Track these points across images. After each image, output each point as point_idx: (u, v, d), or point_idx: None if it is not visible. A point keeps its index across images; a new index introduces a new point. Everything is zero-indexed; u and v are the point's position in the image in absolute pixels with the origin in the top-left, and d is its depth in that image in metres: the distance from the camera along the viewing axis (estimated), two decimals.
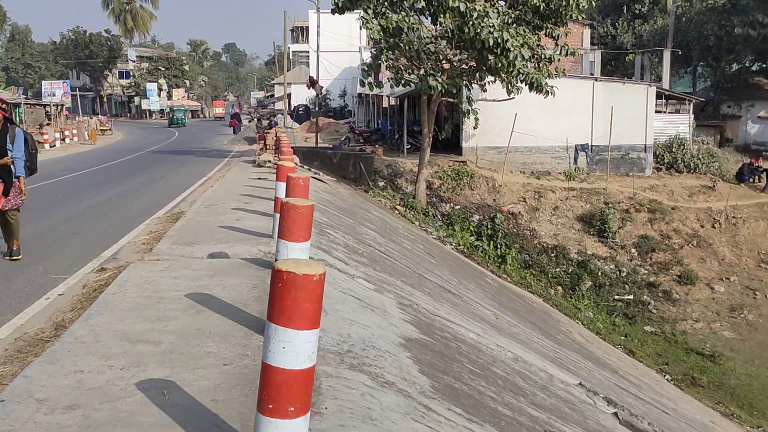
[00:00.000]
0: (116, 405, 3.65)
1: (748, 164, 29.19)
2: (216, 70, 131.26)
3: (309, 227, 4.67)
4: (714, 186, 26.92)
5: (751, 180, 28.53)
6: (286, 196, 6.25)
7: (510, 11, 18.50)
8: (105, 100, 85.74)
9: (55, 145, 35.35)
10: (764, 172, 28.47)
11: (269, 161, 21.32)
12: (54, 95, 54.18)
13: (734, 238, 24.36)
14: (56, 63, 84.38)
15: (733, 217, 25.04)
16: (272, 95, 79.85)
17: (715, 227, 24.59)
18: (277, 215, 8.05)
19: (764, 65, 40.94)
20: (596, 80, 29.17)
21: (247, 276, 6.59)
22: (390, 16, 17.52)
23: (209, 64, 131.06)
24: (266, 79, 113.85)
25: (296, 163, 18.50)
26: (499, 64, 17.70)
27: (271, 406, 2.79)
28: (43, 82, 62.31)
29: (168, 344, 4.61)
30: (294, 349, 2.77)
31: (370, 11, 18.30)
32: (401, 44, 18.73)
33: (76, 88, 72.89)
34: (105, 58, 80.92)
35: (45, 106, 49.23)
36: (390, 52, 19.26)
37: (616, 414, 7.20)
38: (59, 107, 49.78)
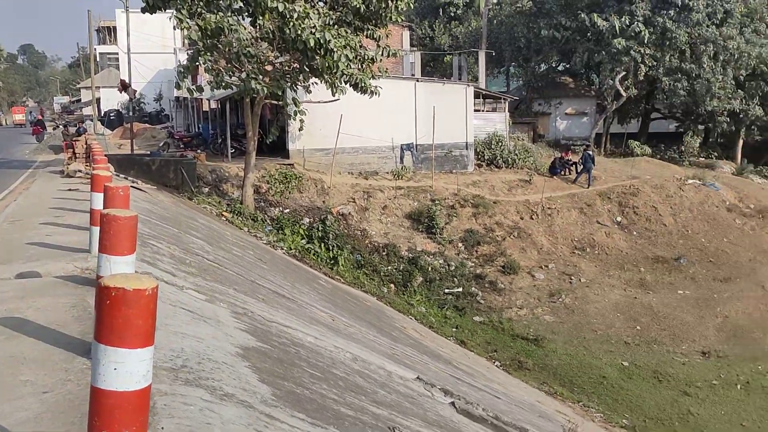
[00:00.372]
0: None
1: (559, 158, 31.71)
2: (12, 74, 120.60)
3: (133, 239, 4.39)
4: (530, 180, 28.85)
5: (562, 173, 31.02)
6: (105, 208, 5.84)
7: (331, 12, 18.64)
8: None
9: None
10: (574, 165, 31.06)
11: (80, 171, 19.87)
12: None
13: (550, 227, 26.25)
14: None
15: (549, 208, 26.99)
16: (79, 100, 74.95)
17: (533, 218, 26.36)
18: (96, 228, 7.51)
19: (568, 65, 44.37)
20: (417, 81, 30.22)
21: (63, 295, 6.07)
22: (208, 16, 16.99)
23: (3, 67, 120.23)
24: (71, 82, 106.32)
25: (112, 172, 17.46)
26: (323, 66, 17.79)
27: None
28: None
29: None
30: (127, 369, 2.58)
31: (184, 11, 17.62)
32: (220, 46, 18.27)
33: None
34: None
35: None
36: (208, 53, 18.71)
37: (453, 404, 7.47)
38: None
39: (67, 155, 21.99)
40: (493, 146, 30.99)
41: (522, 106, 44.01)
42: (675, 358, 19.42)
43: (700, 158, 40.20)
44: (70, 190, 15.33)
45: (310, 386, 5.48)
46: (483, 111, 33.40)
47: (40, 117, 53.22)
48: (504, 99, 34.50)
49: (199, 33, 17.15)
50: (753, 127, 41.20)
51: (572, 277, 23.48)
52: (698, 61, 36.37)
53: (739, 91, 37.77)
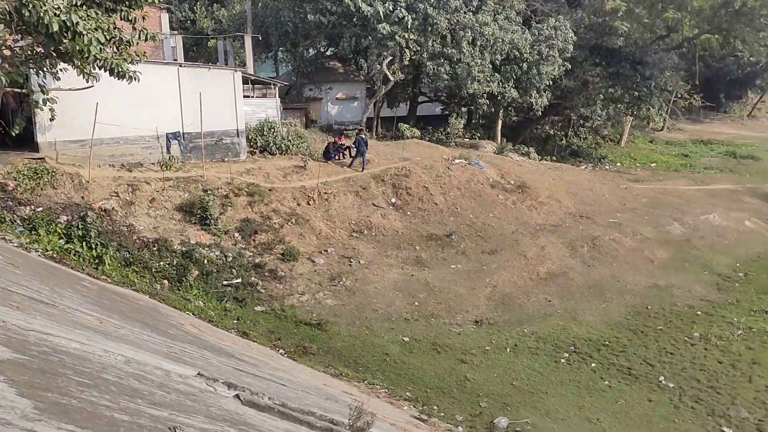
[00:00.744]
0: None
1: (332, 143, 32.29)
2: None
3: None
4: (305, 165, 29.02)
5: (336, 157, 31.64)
6: None
7: None
8: None
9: None
10: (347, 149, 31.78)
11: None
12: None
13: (328, 212, 26.65)
14: None
15: (325, 192, 27.38)
16: None
17: (310, 204, 26.56)
18: None
19: (337, 50, 45.10)
20: (181, 66, 28.85)
21: None
22: None
23: None
24: None
25: None
26: (73, 50, 16.26)
27: None
28: None
29: None
30: None
31: None
32: None
33: None
34: None
35: None
36: None
37: (237, 396, 7.28)
38: None
39: None
40: (265, 133, 30.76)
41: (293, 91, 44.15)
42: (451, 329, 20.52)
43: (465, 139, 43.45)
44: None
45: (78, 395, 5.00)
46: (253, 97, 32.95)
47: None
48: (274, 85, 34.31)
49: None
50: (510, 108, 45.30)
51: (351, 260, 24.05)
52: (458, 46, 38.82)
53: (496, 74, 40.90)
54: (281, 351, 17.02)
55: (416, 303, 21.88)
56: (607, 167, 46.66)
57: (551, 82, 42.65)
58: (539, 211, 31.17)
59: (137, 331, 10.85)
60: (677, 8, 52.86)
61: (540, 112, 44.11)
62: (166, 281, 20.22)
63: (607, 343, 20.15)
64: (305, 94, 44.02)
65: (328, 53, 48.06)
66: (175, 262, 21.09)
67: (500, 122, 46.38)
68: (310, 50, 46.24)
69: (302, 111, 41.30)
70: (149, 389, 6.30)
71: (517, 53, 40.73)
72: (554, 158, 45.82)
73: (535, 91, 41.76)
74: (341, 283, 22.51)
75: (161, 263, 20.88)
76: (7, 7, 15.74)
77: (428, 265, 24.69)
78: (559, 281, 24.53)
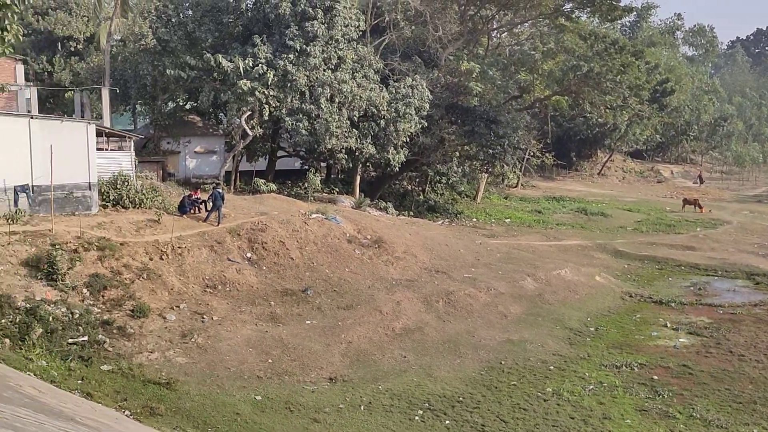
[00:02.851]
0: None
1: (188, 196, 32.31)
2: None
3: None
4: (159, 219, 28.83)
5: (192, 211, 31.65)
6: None
7: None
8: None
9: None
10: (203, 204, 31.89)
11: None
12: None
13: (181, 267, 26.42)
14: None
15: (179, 247, 27.22)
16: None
17: (163, 258, 26.31)
18: None
19: (196, 104, 45.29)
20: (32, 117, 28.32)
21: None
22: None
23: None
24: None
25: None
26: None
27: None
28: None
29: None
30: None
31: None
32: None
33: None
34: None
35: None
36: None
37: None
38: None
39: None
40: (118, 186, 30.46)
41: (150, 144, 43.87)
42: (305, 387, 20.38)
43: (324, 193, 44.45)
44: None
45: None
46: (107, 150, 32.62)
47: None
48: (129, 138, 34.14)
49: None
50: (368, 164, 46.78)
51: (204, 316, 23.94)
52: (317, 102, 40.09)
53: (354, 130, 42.20)
54: (127, 413, 16.67)
55: (270, 360, 21.83)
56: (463, 222, 48.76)
57: (408, 139, 44.29)
58: (395, 266, 31.98)
59: None
60: (529, 71, 57.61)
61: (398, 168, 45.93)
62: (7, 340, 19.56)
63: (461, 399, 20.14)
64: (163, 147, 43.89)
65: (187, 107, 48.29)
66: (17, 320, 20.42)
67: (359, 177, 47.87)
68: (169, 104, 46.29)
69: (159, 164, 41.12)
70: None
71: (374, 110, 42.45)
72: (412, 213, 47.61)
73: (392, 148, 43.45)
74: (193, 340, 22.34)
75: (3, 321, 20.19)
76: None
77: (283, 321, 24.87)
78: (414, 336, 24.91)
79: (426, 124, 44.71)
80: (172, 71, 39.35)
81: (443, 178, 53.07)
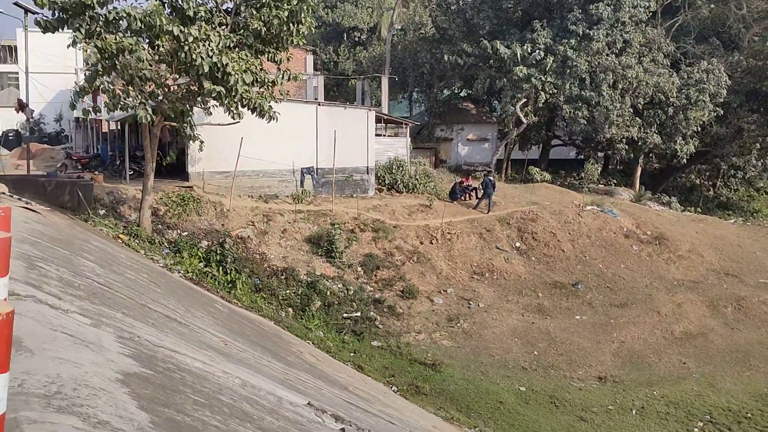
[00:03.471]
0: None
1: (459, 183, 32.57)
2: None
3: (5, 261, 4.34)
4: (431, 204, 29.43)
5: (462, 198, 31.85)
6: None
7: (231, 35, 18.60)
8: None
9: None
10: (474, 191, 31.93)
11: None
12: None
13: (450, 252, 26.71)
14: None
15: (449, 232, 27.51)
16: None
17: (432, 243, 26.79)
18: None
19: (471, 91, 45.49)
20: (319, 104, 30.44)
21: None
22: (108, 38, 16.70)
23: None
24: None
25: (4, 193, 16.78)
26: (218, 89, 17.70)
27: None
28: None
29: None
30: None
31: (82, 32, 17.26)
32: (118, 67, 17.92)
33: None
34: None
35: None
36: (106, 75, 18.34)
37: (343, 430, 7.53)
38: None
39: None
40: (394, 171, 31.53)
41: (424, 131, 44.92)
42: (572, 383, 19.65)
43: (600, 185, 41.97)
44: None
45: (192, 413, 5.48)
46: (385, 136, 33.99)
47: None
48: (406, 124, 35.21)
49: (98, 54, 16.76)
50: (651, 155, 43.33)
51: (471, 302, 23.95)
52: (598, 89, 37.71)
53: (637, 119, 39.21)
54: (394, 388, 17.16)
55: (535, 352, 21.30)
56: (760, 222, 43.13)
57: (699, 129, 40.38)
58: (678, 265, 29.31)
59: (258, 355, 11.48)
60: None
61: (685, 160, 41.71)
62: (290, 309, 21.14)
63: (749, 415, 18.33)
64: (436, 134, 44.63)
65: (462, 94, 48.58)
66: (300, 292, 22.01)
67: (639, 169, 44.46)
68: (444, 91, 46.96)
69: (432, 151, 41.90)
70: (260, 414, 6.73)
71: (662, 97, 38.93)
72: (699, 210, 43.05)
73: (680, 138, 39.64)
74: (459, 324, 22.48)
75: (287, 291, 21.88)
76: (168, 48, 17.42)
77: (550, 314, 24.04)
78: (696, 342, 22.81)
79: (721, 112, 39.95)
80: (449, 58, 39.81)
81: (738, 172, 47.08)
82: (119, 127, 31.19)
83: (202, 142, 21.39)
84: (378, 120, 32.19)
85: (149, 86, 18.61)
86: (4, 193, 16.74)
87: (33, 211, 17.18)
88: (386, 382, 17.51)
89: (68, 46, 18.66)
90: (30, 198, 20.71)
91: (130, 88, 18.89)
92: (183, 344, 8.83)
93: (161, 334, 8.84)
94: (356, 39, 52.96)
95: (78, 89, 19.56)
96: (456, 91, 48.23)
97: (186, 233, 23.34)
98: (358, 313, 21.85)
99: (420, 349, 20.74)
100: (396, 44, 47.14)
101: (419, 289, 23.93)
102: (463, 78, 44.72)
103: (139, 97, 17.95)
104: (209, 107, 20.60)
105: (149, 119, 18.20)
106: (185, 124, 20.34)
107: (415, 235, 26.92)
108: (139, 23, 17.63)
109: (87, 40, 17.43)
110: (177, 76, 19.48)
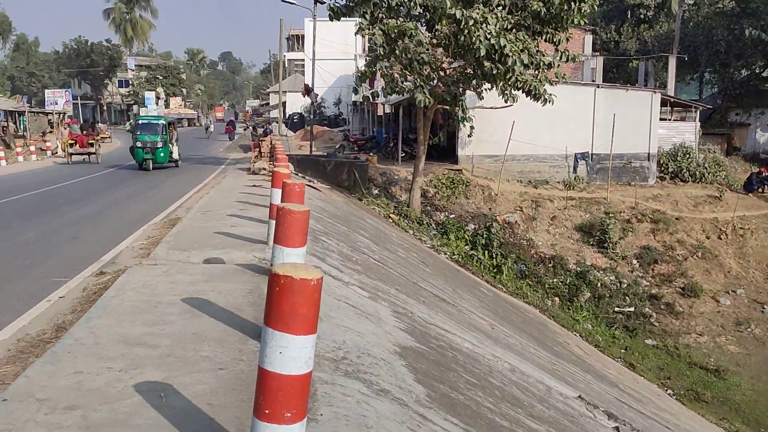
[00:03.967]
0: (114, 406, 3.65)
1: (756, 173, 29.07)
2: (212, 79, 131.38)
3: (305, 233, 4.66)
4: (721, 196, 26.73)
5: (759, 190, 28.39)
6: (282, 202, 6.24)
7: (509, 17, 18.43)
8: (105, 108, 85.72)
9: (56, 152, 35.27)
10: None
11: (264, 169, 21.32)
12: (56, 104, 54.31)
13: (741, 249, 24.12)
14: (59, 72, 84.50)
15: (741, 228, 24.84)
16: (267, 103, 79.90)
17: (721, 238, 24.38)
18: (273, 222, 8.05)
19: None
20: (598, 87, 29.03)
21: (241, 281, 6.57)
22: (389, 22, 17.54)
23: (206, 73, 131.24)
24: (262, 87, 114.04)
25: (291, 171, 18.55)
26: (495, 71, 17.64)
27: (267, 411, 2.78)
28: (46, 91, 62.43)
29: (165, 348, 4.60)
30: (291, 354, 2.76)
31: (367, 18, 18.35)
32: (397, 51, 18.73)
33: (78, 96, 72.84)
34: (105, 67, 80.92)
35: (48, 114, 49.26)
36: (385, 59, 19.27)
37: (617, 429, 7.13)
38: (61, 115, 49.83)
39: (254, 154, 23.66)
40: (679, 158, 29.11)
41: (716, 115, 40.80)
42: None
43: None
44: (254, 186, 16.48)
45: (465, 392, 5.50)
46: (670, 120, 31.52)
47: (232, 118, 57.72)
48: (695, 108, 32.27)
49: (383, 37, 17.64)
50: None
51: (765, 306, 21.37)
52: None
53: None
54: (669, 391, 15.95)
55: None
56: None
57: None
58: None
59: (524, 342, 11.34)
60: None
61: None
62: (557, 298, 20.61)
63: None
64: (730, 119, 40.29)
65: (765, 74, 43.13)
66: (568, 281, 21.34)
67: None
68: (742, 71, 42.11)
69: (724, 137, 37.87)
70: (530, 401, 6.60)
71: None
72: None
73: None
74: (749, 330, 20.16)
75: (554, 280, 21.34)
76: (447, 32, 17.78)
77: None
78: None
79: None
80: (751, 33, 35.56)
81: None
82: (393, 111, 32.83)
83: (472, 127, 21.61)
84: (663, 103, 29.93)
85: (425, 70, 19.18)
86: (290, 172, 18.47)
87: (315, 188, 18.76)
88: (661, 383, 16.35)
89: (355, 33, 19.98)
90: (312, 176, 22.73)
91: (407, 72, 19.67)
92: (452, 324, 8.97)
93: (432, 312, 9.07)
94: (641, 16, 49.46)
95: (359, 74, 20.84)
96: (757, 71, 42.92)
97: (453, 215, 23.87)
98: (632, 308, 20.59)
99: (701, 353, 19.05)
100: (687, 20, 43.28)
101: (703, 288, 21.88)
102: (766, 56, 39.71)
103: (418, 80, 18.57)
104: (481, 90, 20.72)
105: (426, 102, 18.75)
106: (457, 108, 20.66)
107: (700, 228, 24.63)
108: (419, 8, 18.25)
109: (371, 26, 18.46)
110: (452, 60, 19.84)
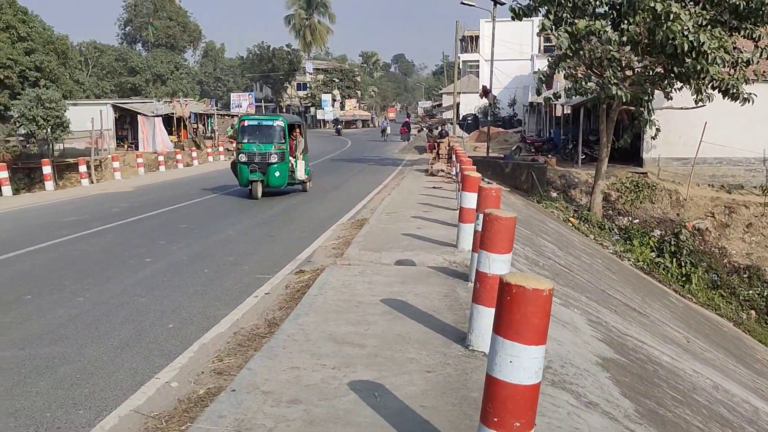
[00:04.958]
0: (333, 403, 3.83)
1: None
2: (385, 81, 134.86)
3: (511, 239, 4.63)
4: None
5: None
6: (479, 207, 6.25)
7: (703, 12, 17.23)
8: (284, 110, 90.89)
9: None
10: None
11: (442, 170, 21.55)
12: (240, 106, 58.55)
13: None
14: (242, 76, 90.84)
15: None
16: (440, 105, 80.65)
17: None
18: (464, 225, 8.10)
19: None
20: None
21: (436, 284, 6.66)
22: (578, 22, 17.00)
23: (379, 75, 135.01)
24: (434, 89, 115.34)
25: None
26: (694, 70, 16.52)
27: (496, 420, 2.78)
28: (231, 95, 67.69)
29: (372, 348, 4.77)
30: (521, 364, 2.75)
31: (551, 17, 17.94)
32: (582, 51, 18.11)
33: (261, 99, 77.89)
34: (285, 71, 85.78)
35: (233, 116, 52.97)
36: (568, 59, 18.71)
37: None
38: None
39: (431, 156, 23.98)
40: None
41: None
42: None
43: None
44: (434, 187, 16.70)
45: (672, 409, 5.23)
46: None
47: (407, 119, 58.72)
48: None
49: (569, 39, 17.15)
50: None
51: None
52: None
53: None
54: None
55: None
56: None
57: None
58: None
59: (721, 357, 10.58)
60: None
61: None
62: (753, 312, 18.98)
63: None
64: None
65: None
66: (766, 294, 19.58)
67: None
68: None
69: None
70: (739, 422, 6.14)
71: None
72: None
73: None
74: None
75: (750, 292, 19.66)
76: (639, 29, 16.93)
77: None
78: None
79: None
80: None
81: None
82: (572, 112, 31.84)
83: (658, 129, 20.40)
84: None
85: (612, 70, 18.40)
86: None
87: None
88: None
89: (537, 34, 19.60)
90: (489, 178, 22.59)
91: (591, 72, 18.98)
92: (647, 335, 8.55)
93: (625, 321, 8.69)
94: None
95: (541, 76, 20.42)
96: None
97: (637, 221, 22.72)
98: None
99: None
100: None
101: None
102: None
103: (612, 78, 17.80)
104: (670, 91, 19.54)
105: (625, 97, 17.91)
106: (642, 108, 19.61)
107: None
108: (605, 6, 17.55)
109: (555, 26, 18.00)
110: (641, 58, 18.87)
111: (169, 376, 4.74)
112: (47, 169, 21.61)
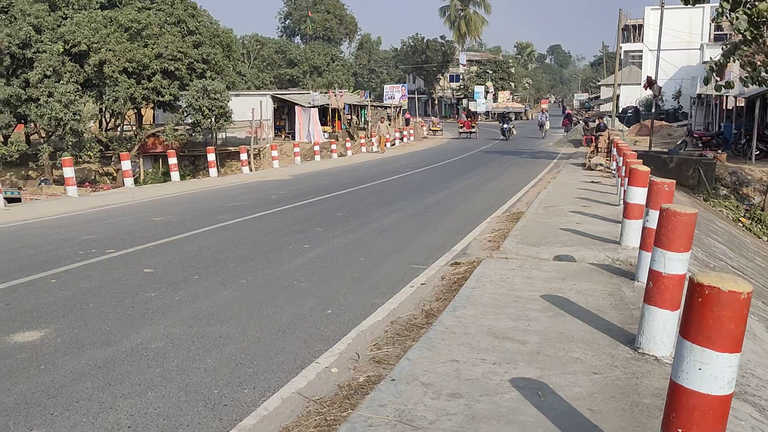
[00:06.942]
0: (495, 399, 3.73)
1: None
2: (540, 72, 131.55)
3: (690, 237, 4.30)
4: None
5: None
6: (649, 202, 5.88)
7: None
8: (436, 102, 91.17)
9: (394, 144, 38.51)
10: None
11: (601, 164, 20.67)
12: (393, 98, 59.40)
13: None
14: (396, 68, 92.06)
15: None
16: (597, 97, 77.45)
17: None
18: (629, 221, 7.69)
19: None
20: None
21: (599, 282, 6.37)
22: (759, 4, 15.64)
23: (533, 67, 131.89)
24: (591, 80, 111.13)
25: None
26: None
27: (680, 430, 2.57)
28: (385, 86, 68.81)
29: (533, 344, 4.62)
30: (712, 372, 2.52)
31: (728, 1, 16.61)
32: (762, 36, 16.65)
33: (413, 91, 78.61)
34: (439, 63, 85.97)
35: (386, 107, 53.86)
36: (745, 46, 17.25)
37: None
38: (398, 109, 54.15)
39: (588, 149, 23.09)
40: None
41: None
42: None
43: None
44: (592, 182, 16.06)
45: None
46: None
47: (568, 111, 56.56)
48: None
49: (747, 22, 15.83)
50: None
51: None
52: None
53: None
54: None
55: None
56: None
57: None
58: None
59: None
60: None
61: None
62: None
63: None
64: None
65: None
66: None
67: None
68: None
69: None
70: None
71: None
72: None
73: None
74: None
75: None
76: None
77: None
78: None
79: None
80: None
81: None
82: (745, 104, 29.42)
83: None
84: None
85: None
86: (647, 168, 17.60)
87: None
88: None
89: (712, 19, 18.26)
90: (651, 173, 21.30)
91: None
92: None
93: None
94: None
95: (714, 64, 19.02)
96: None
97: None
98: None
99: None
100: None
101: None
102: None
103: None
104: None
105: None
106: None
107: None
108: None
109: (732, 10, 16.65)
110: None
111: (328, 361, 4.84)
112: (211, 157, 23.00)
